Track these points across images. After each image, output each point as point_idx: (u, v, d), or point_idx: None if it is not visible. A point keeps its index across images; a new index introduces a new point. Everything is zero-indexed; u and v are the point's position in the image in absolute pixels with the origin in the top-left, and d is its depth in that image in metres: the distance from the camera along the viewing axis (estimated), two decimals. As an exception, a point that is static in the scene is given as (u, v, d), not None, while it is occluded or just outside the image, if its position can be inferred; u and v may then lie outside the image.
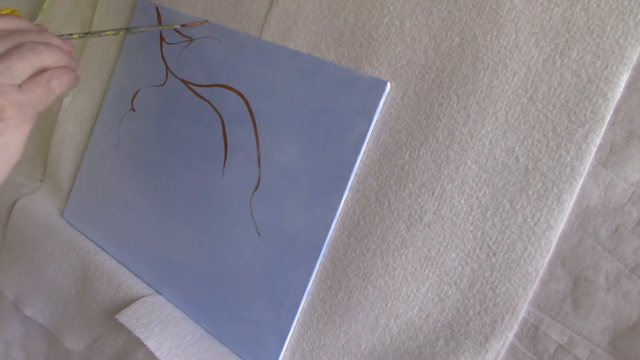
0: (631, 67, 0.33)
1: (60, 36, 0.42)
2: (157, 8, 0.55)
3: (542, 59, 0.36)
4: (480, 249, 0.37)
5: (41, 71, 0.38)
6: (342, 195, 0.42)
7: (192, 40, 0.52)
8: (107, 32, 0.48)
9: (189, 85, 0.52)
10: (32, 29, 0.40)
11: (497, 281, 0.36)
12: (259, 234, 0.46)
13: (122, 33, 0.48)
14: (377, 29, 0.42)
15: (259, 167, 0.46)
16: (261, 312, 0.45)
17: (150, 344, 0.46)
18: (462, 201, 0.38)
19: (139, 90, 0.56)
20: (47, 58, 0.38)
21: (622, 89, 0.33)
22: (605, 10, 0.34)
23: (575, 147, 0.34)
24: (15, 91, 0.36)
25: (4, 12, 0.57)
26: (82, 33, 0.45)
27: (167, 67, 0.54)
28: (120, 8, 0.59)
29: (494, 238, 0.36)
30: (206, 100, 0.50)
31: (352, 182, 0.42)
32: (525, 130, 0.36)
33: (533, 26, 0.36)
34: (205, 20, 0.50)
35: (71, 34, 0.44)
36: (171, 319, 0.48)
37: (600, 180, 0.34)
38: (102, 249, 0.57)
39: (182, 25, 0.50)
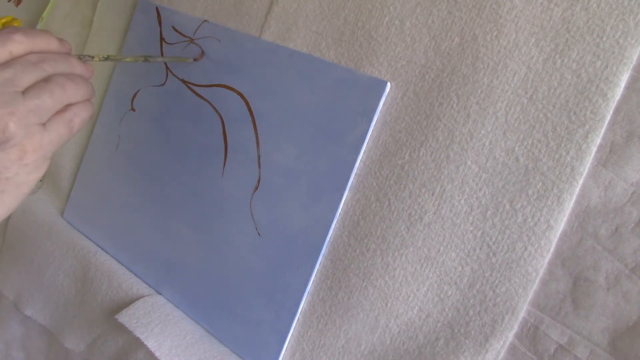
0: (631, 67, 0.33)
1: (81, 57, 0.41)
2: (157, 8, 0.55)
3: (542, 59, 0.36)
4: (480, 249, 0.37)
5: (65, 107, 0.37)
6: (342, 195, 0.42)
7: (192, 40, 0.52)
8: (127, 59, 0.50)
9: (189, 85, 0.52)
10: (59, 50, 0.38)
11: (497, 281, 0.36)
12: (259, 234, 0.46)
13: (140, 60, 0.49)
14: (377, 29, 0.42)
15: (259, 167, 0.46)
16: (261, 312, 0.45)
17: (150, 344, 0.46)
18: (462, 201, 0.38)
19: (139, 90, 0.56)
20: (74, 95, 0.37)
21: (622, 89, 0.33)
22: (605, 10, 0.34)
23: (575, 147, 0.34)
24: (40, 132, 0.35)
25: (4, 20, 0.57)
26: (103, 56, 0.44)
27: (167, 67, 0.54)
28: (120, 8, 0.59)
29: (494, 238, 0.36)
30: (206, 100, 0.50)
31: (352, 182, 0.42)
32: (525, 130, 0.36)
33: (533, 26, 0.36)
34: (201, 57, 0.52)
35: (92, 57, 0.42)
36: (171, 319, 0.48)
37: (600, 180, 0.34)
38: (102, 249, 0.57)
39: (195, 59, 0.52)
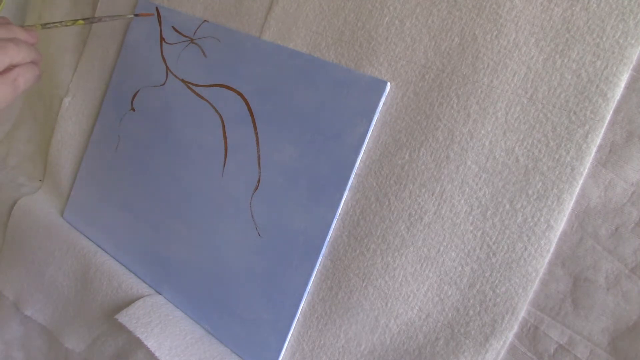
0: (631, 67, 0.33)
1: (23, 27, 0.43)
2: (157, 8, 0.55)
3: (542, 59, 0.36)
4: (480, 249, 0.37)
5: (8, 68, 0.39)
6: (342, 195, 0.42)
7: (192, 40, 0.52)
8: (67, 22, 0.49)
9: (189, 85, 0.52)
10: None
11: (497, 281, 0.36)
12: (259, 234, 0.46)
13: (80, 22, 0.50)
14: (377, 29, 0.42)
15: (259, 167, 0.46)
16: (261, 312, 0.45)
17: (150, 344, 0.46)
18: (462, 201, 0.38)
19: (139, 90, 0.56)
20: (16, 55, 0.39)
21: (622, 89, 0.33)
22: (605, 10, 0.34)
23: (575, 147, 0.34)
24: None
25: None
26: (42, 24, 0.47)
27: (167, 67, 0.54)
28: (120, 8, 0.59)
29: (494, 238, 0.36)
30: (206, 100, 0.50)
31: (352, 182, 0.42)
32: (525, 130, 0.36)
33: (533, 26, 0.36)
34: (152, 14, 0.53)
35: (33, 25, 0.45)
36: (171, 319, 0.48)
37: (600, 180, 0.34)
38: (102, 249, 0.57)
39: (136, 15, 0.54)
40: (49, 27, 0.47)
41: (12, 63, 0.39)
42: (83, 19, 0.51)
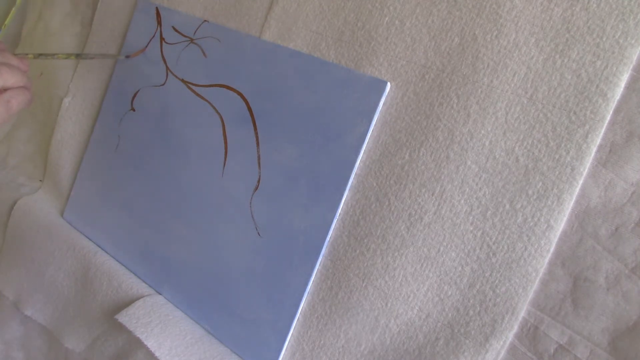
0: (631, 67, 0.33)
1: (16, 55, 0.45)
2: (157, 8, 0.55)
3: (542, 59, 0.36)
4: (480, 249, 0.37)
5: (1, 91, 0.41)
6: (342, 195, 0.42)
7: (192, 40, 0.52)
8: (59, 56, 0.51)
9: (189, 85, 0.52)
10: None
11: (497, 281, 0.36)
12: (259, 234, 0.46)
13: (72, 57, 0.53)
14: (377, 29, 0.42)
15: (259, 167, 0.46)
16: (261, 312, 0.45)
17: (150, 344, 0.46)
18: (462, 201, 0.38)
19: (139, 90, 0.56)
20: (10, 79, 0.41)
21: (622, 89, 0.33)
22: (605, 10, 0.34)
23: (575, 147, 0.34)
24: None
25: None
26: (36, 54, 0.48)
27: (167, 67, 0.54)
28: (120, 8, 0.59)
29: (494, 238, 0.36)
30: (206, 100, 0.50)
31: (352, 182, 0.42)
32: (525, 130, 0.36)
33: (533, 26, 0.36)
34: (143, 50, 0.53)
35: (26, 54, 0.47)
36: (171, 319, 0.48)
37: (600, 180, 0.34)
38: (102, 249, 0.57)
39: (127, 57, 0.55)
40: (41, 58, 0.49)
41: (5, 86, 0.41)
42: (75, 55, 0.53)
